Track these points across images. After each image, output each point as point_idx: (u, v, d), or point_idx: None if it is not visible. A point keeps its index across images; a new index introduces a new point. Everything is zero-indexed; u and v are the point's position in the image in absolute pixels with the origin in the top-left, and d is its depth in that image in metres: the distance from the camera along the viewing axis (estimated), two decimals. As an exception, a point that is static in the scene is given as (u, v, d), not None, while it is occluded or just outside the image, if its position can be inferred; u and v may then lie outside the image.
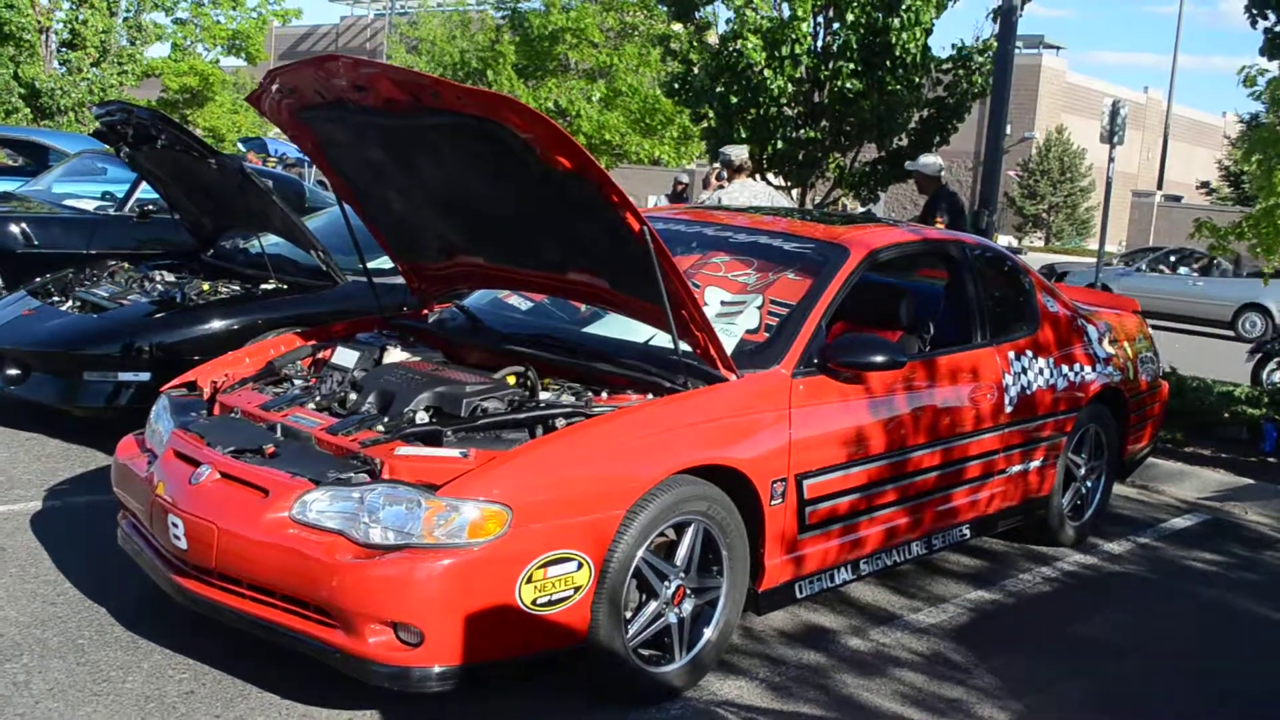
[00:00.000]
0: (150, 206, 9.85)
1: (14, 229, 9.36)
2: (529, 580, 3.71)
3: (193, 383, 4.92)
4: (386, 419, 4.19)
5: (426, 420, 4.18)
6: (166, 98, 31.19)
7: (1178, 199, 47.58)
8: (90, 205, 10.35)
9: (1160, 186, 47.17)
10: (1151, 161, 47.99)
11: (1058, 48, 58.90)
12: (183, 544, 3.97)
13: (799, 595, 4.77)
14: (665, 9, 13.98)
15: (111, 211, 10.03)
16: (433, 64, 27.99)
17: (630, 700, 4.13)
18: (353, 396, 4.45)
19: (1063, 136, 52.62)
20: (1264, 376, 12.20)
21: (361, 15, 66.91)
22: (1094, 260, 25.64)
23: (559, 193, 4.13)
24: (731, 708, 4.24)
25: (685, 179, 21.40)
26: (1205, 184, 52.97)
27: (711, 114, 12.61)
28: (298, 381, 4.79)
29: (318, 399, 4.49)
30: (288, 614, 3.81)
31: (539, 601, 3.75)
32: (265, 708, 3.95)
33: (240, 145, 28.82)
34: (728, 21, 12.36)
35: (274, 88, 4.56)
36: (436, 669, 3.67)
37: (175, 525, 3.97)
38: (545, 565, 3.74)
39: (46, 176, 11.41)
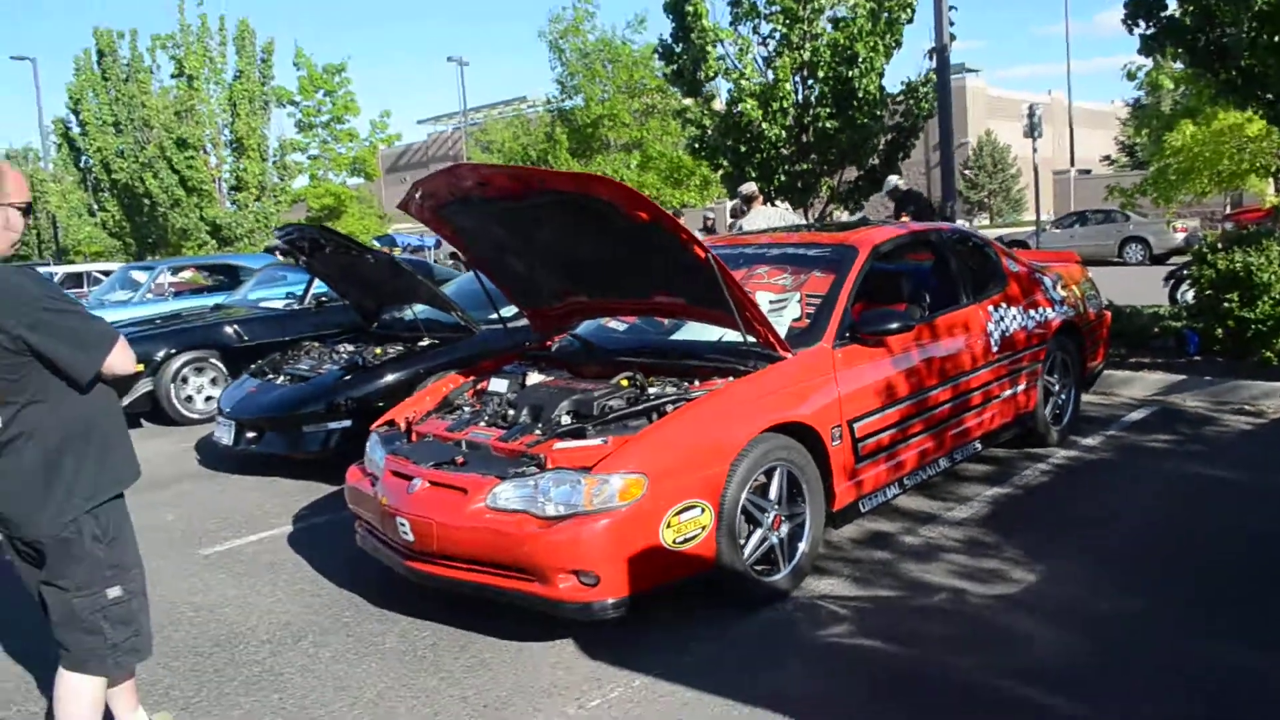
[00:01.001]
0: (323, 299, 10.09)
1: (229, 329, 9.63)
2: (668, 526, 3.82)
3: (391, 421, 5.03)
4: (541, 425, 4.30)
5: (570, 421, 4.27)
6: (311, 216, 31.61)
7: (1088, 172, 46.89)
8: (279, 304, 10.59)
9: (1072, 164, 46.43)
10: (1062, 147, 47.25)
11: (977, 70, 58.06)
12: (410, 537, 4.09)
13: (862, 510, 4.82)
14: (678, 90, 14.02)
15: (296, 307, 10.27)
16: (502, 158, 28.14)
17: (754, 604, 4.20)
18: (511, 412, 4.55)
19: (991, 138, 51.95)
20: (1179, 296, 12.02)
21: (443, 130, 67.22)
22: (1031, 229, 26.76)
23: (641, 238, 4.22)
24: (828, 599, 4.32)
25: (711, 215, 21.46)
26: (1107, 157, 52.11)
27: (725, 163, 12.63)
28: (466, 408, 4.90)
29: (486, 418, 4.60)
30: (495, 576, 3.92)
31: (677, 541, 3.85)
32: (490, 647, 4.06)
33: (374, 242, 29.19)
34: (729, 91, 12.39)
35: (417, 195, 4.70)
36: (610, 601, 3.76)
37: (402, 525, 4.10)
38: (678, 513, 3.84)
39: (243, 288, 11.66)
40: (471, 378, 5.26)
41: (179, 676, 4.01)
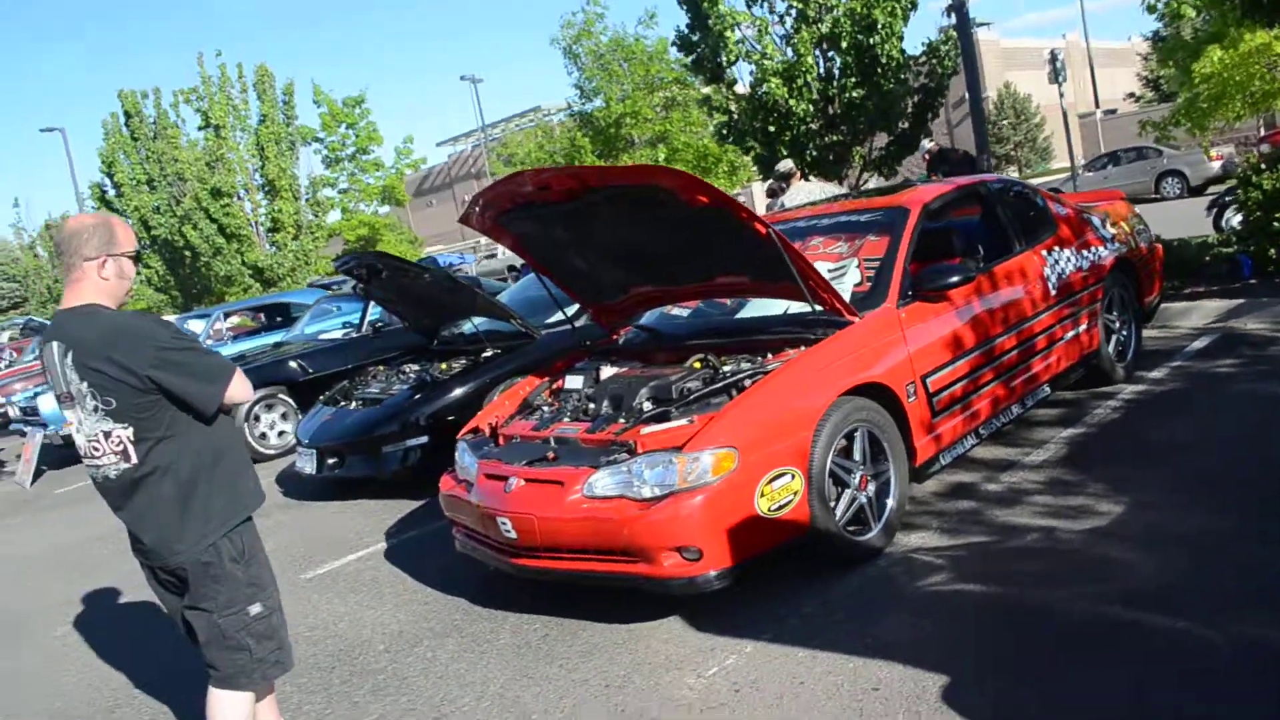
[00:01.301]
0: (379, 324, 10.29)
1: (293, 364, 9.85)
2: (762, 495, 3.92)
3: (476, 428, 5.15)
4: (624, 414, 4.40)
5: (653, 407, 4.36)
6: (348, 249, 31.96)
7: (1113, 112, 46.18)
8: (337, 334, 10.80)
9: (1097, 106, 45.76)
10: (1084, 89, 46.54)
11: (987, 23, 57.55)
12: (513, 535, 4.21)
13: (943, 463, 4.88)
14: (698, 78, 14.07)
15: (354, 335, 10.46)
16: (528, 168, 28.00)
17: (850, 563, 4.29)
18: (591, 406, 4.67)
19: (1010, 90, 51.30)
20: (1223, 223, 11.91)
21: (462, 150, 67.41)
22: (1062, 176, 26.41)
23: (701, 222, 4.31)
24: (922, 552, 4.40)
25: (743, 198, 21.48)
26: (1131, 94, 51.27)
27: (756, 144, 12.70)
28: (546, 408, 5.01)
29: (568, 414, 4.72)
30: (600, 562, 4.04)
31: (772, 508, 3.95)
32: (599, 632, 4.17)
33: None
34: (751, 73, 12.44)
35: (478, 206, 4.84)
36: (714, 573, 3.86)
37: (504, 523, 4.22)
38: (770, 481, 3.94)
39: (299, 324, 11.88)
40: (546, 378, 5.37)
41: (307, 693, 4.18)
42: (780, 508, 3.97)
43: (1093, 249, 6.30)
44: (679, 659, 3.82)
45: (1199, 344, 7.32)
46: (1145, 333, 7.23)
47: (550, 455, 4.34)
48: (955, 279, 4.86)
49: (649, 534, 3.85)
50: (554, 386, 5.24)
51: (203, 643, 3.15)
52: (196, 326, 14.08)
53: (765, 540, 4.01)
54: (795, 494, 4.01)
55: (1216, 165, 24.22)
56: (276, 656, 3.24)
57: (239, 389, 3.07)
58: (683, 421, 4.14)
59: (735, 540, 3.87)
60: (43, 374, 3.10)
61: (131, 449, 2.99)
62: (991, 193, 6.08)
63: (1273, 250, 8.40)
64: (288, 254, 25.25)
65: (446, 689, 3.96)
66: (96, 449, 3.02)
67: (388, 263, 7.57)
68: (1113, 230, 6.66)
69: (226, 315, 15.19)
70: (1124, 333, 6.61)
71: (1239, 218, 9.84)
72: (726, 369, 4.56)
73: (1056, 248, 5.99)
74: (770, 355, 4.60)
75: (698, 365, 4.65)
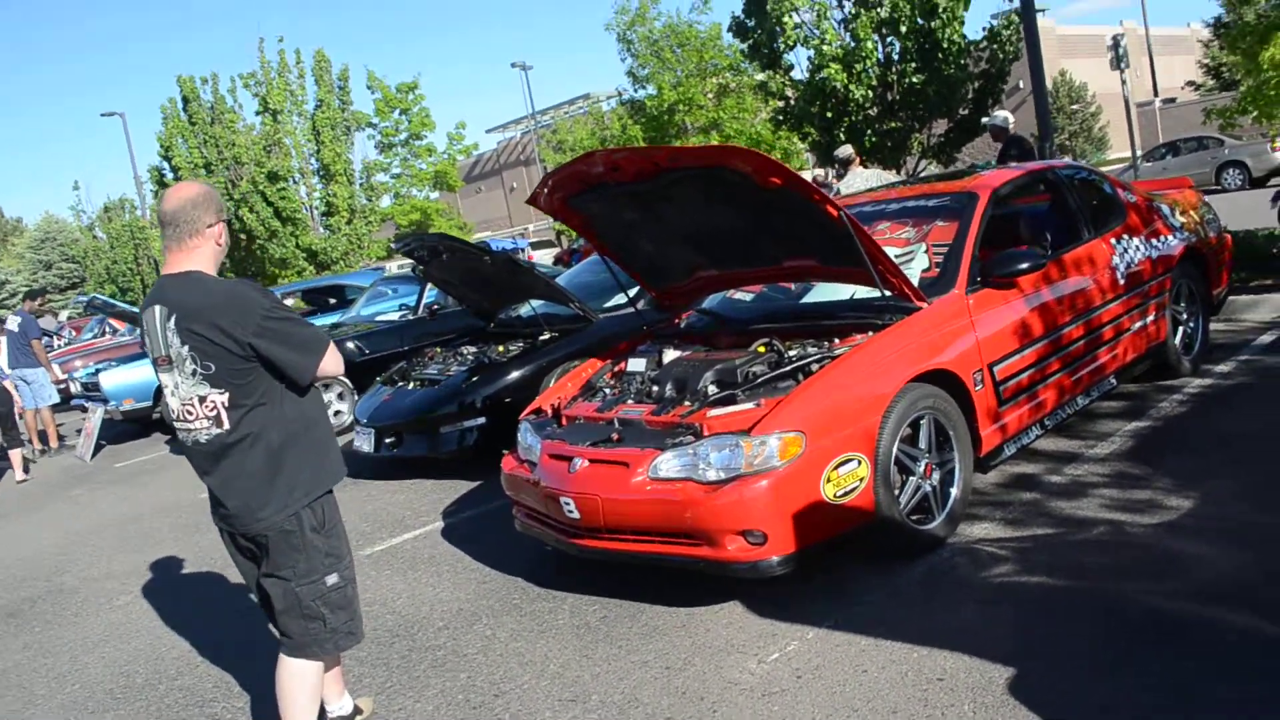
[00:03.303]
0: (435, 306, 10.35)
1: (350, 345, 9.94)
2: (828, 480, 3.88)
3: (539, 409, 5.16)
4: (689, 397, 4.37)
5: (718, 390, 4.33)
6: (400, 233, 32.24)
7: (1172, 100, 45.23)
8: (394, 316, 10.89)
9: (1156, 94, 44.90)
10: (1142, 77, 45.68)
11: (1044, 10, 56.49)
12: (576, 515, 4.20)
13: (1007, 453, 4.81)
14: (753, 64, 13.97)
15: (410, 317, 10.55)
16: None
17: (914, 553, 4.24)
18: (655, 388, 4.64)
19: (1066, 78, 50.48)
20: (1287, 217, 11.58)
21: (511, 136, 67.50)
22: (1120, 165, 25.92)
23: (774, 203, 4.27)
24: (985, 542, 4.33)
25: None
26: (1191, 82, 50.14)
27: (813, 130, 12.58)
28: (609, 390, 5.00)
29: (632, 396, 4.70)
30: (664, 545, 4.02)
31: (838, 494, 3.91)
32: (659, 615, 4.17)
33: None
34: (809, 59, 12.34)
35: (547, 188, 4.83)
36: (777, 558, 3.83)
37: (567, 504, 4.22)
38: (836, 467, 3.90)
39: (355, 306, 12.01)
40: (608, 361, 5.36)
41: (368, 666, 4.22)
42: (846, 494, 3.93)
43: (1162, 238, 6.17)
44: (740, 643, 3.81)
45: (1267, 338, 7.16)
46: (1212, 325, 7.08)
47: (615, 436, 4.33)
48: (1025, 265, 4.78)
49: (714, 517, 3.83)
50: (617, 369, 5.23)
51: (278, 610, 3.19)
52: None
53: (830, 526, 3.97)
54: (861, 480, 3.97)
55: (1280, 156, 23.68)
56: (349, 627, 3.28)
57: (332, 362, 3.11)
58: (749, 405, 4.11)
59: (800, 525, 3.84)
60: (139, 341, 3.16)
61: (225, 415, 3.03)
62: (1061, 179, 5.98)
63: (1343, 243, 8.18)
64: (341, 237, 25.51)
65: (506, 667, 3.97)
66: (190, 413, 3.06)
67: (448, 244, 7.61)
68: (1182, 219, 6.53)
69: (285, 296, 15.39)
70: (1191, 325, 6.48)
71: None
72: (792, 354, 4.51)
73: (1125, 236, 5.87)
74: (837, 340, 4.55)
75: (762, 350, 4.61)
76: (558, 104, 53.55)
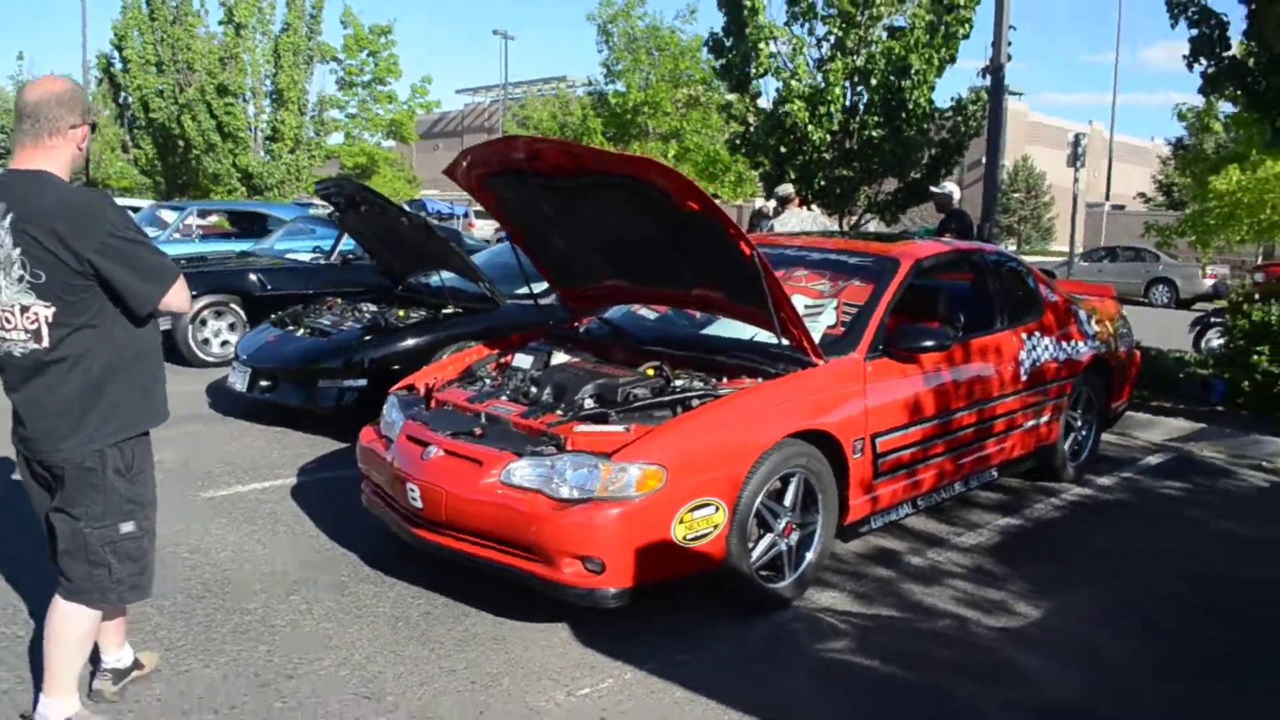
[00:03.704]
0: (350, 256, 10.04)
1: (253, 277, 9.60)
2: (680, 521, 3.74)
3: (412, 385, 4.97)
4: (563, 406, 4.22)
5: (594, 405, 4.19)
6: (343, 173, 31.56)
7: (1121, 207, 46.54)
8: (306, 257, 10.54)
9: (1108, 198, 46.07)
10: (1098, 179, 46.80)
11: (1019, 94, 57.66)
12: (419, 504, 4.03)
13: (874, 526, 4.74)
14: (724, 84, 13.90)
15: (322, 261, 10.22)
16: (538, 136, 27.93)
17: (755, 608, 4.14)
18: (533, 390, 4.48)
19: (1027, 164, 51.59)
20: (1203, 344, 11.89)
21: (480, 101, 66.88)
22: (1058, 259, 26.47)
23: (688, 228, 4.13)
24: (829, 612, 4.25)
25: (745, 212, 21.31)
26: (1142, 194, 51.69)
27: (766, 161, 12.53)
28: (488, 381, 4.83)
29: (508, 393, 4.53)
30: (500, 553, 3.86)
31: (688, 537, 3.78)
32: (484, 622, 4.01)
33: (405, 206, 29.12)
34: (777, 90, 12.29)
35: (465, 163, 4.63)
36: (613, 590, 3.69)
37: (412, 490, 4.04)
38: (692, 509, 3.76)
39: (270, 238, 11.64)
40: (496, 350, 5.19)
41: (167, 617, 3.97)
42: (697, 538, 3.80)
43: (1073, 342, 6.18)
44: (556, 670, 3.65)
45: (1153, 459, 7.24)
46: (1104, 437, 7.14)
47: (477, 431, 4.15)
48: (930, 344, 4.71)
49: (556, 536, 3.68)
50: (502, 361, 5.05)
51: (61, 550, 2.95)
52: (168, 217, 13.76)
53: (674, 568, 3.84)
54: (715, 527, 3.84)
55: (1209, 283, 24.35)
56: (136, 581, 3.04)
57: (178, 296, 2.89)
58: (619, 428, 3.96)
59: (642, 561, 3.70)
60: None
61: (46, 331, 2.78)
62: (987, 263, 5.95)
63: (1247, 383, 8.34)
64: (280, 165, 24.86)
65: (309, 647, 3.76)
66: (9, 321, 2.80)
67: (367, 197, 7.34)
68: (1097, 327, 6.56)
69: (204, 214, 14.86)
70: (1084, 432, 6.50)
71: (1220, 341, 9.78)
72: (678, 383, 4.39)
73: (1038, 333, 5.86)
74: (725, 379, 4.43)
75: (650, 373, 4.47)
76: (532, 80, 53.15)
